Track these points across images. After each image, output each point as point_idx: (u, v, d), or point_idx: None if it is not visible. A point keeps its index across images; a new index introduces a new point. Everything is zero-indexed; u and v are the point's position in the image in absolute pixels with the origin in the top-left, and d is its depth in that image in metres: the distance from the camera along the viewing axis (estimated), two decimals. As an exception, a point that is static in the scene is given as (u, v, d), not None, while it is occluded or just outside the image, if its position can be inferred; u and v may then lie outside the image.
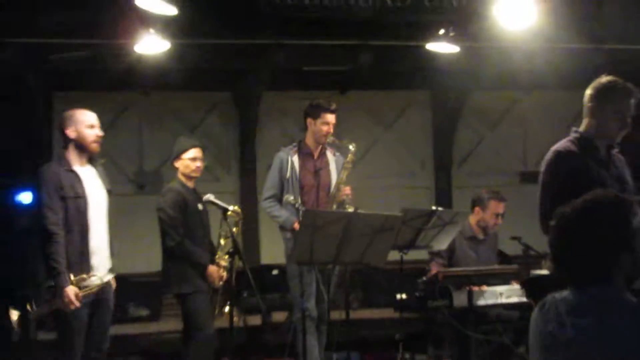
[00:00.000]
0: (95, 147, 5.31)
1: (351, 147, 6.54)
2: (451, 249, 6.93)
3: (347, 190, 6.49)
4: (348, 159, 6.56)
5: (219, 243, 6.32)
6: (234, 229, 5.97)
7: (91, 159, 5.38)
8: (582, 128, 4.32)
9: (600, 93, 4.28)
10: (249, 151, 10.62)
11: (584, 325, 2.52)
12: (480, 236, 7.01)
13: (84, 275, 5.08)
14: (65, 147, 5.31)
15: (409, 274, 6.93)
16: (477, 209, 6.98)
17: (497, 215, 6.88)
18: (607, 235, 2.57)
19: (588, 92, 4.33)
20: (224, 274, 6.19)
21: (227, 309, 6.03)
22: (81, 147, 5.27)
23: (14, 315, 5.11)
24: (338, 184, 6.54)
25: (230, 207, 5.92)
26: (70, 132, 5.25)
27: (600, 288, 2.56)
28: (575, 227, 2.61)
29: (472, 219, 7.01)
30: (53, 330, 6.43)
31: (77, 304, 4.98)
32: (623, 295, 2.57)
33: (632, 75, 4.35)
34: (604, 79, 4.32)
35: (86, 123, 5.28)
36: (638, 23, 8.91)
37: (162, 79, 9.29)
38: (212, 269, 6.16)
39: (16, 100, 9.31)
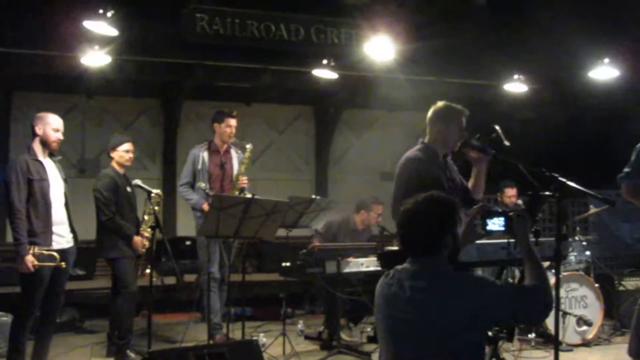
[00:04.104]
0: (55, 146, 5.24)
1: (248, 147, 6.44)
2: (334, 236, 6.97)
3: (244, 180, 6.38)
4: (245, 155, 6.46)
5: (143, 218, 6.14)
6: (156, 208, 5.79)
7: (51, 154, 5.28)
8: (426, 140, 4.32)
9: (441, 114, 4.29)
10: (171, 147, 10.43)
11: (418, 286, 2.67)
12: (360, 229, 7.09)
13: (44, 251, 4.97)
14: (33, 141, 5.18)
15: (293, 247, 6.90)
16: (362, 211, 7.09)
17: (378, 214, 6.97)
18: (435, 222, 2.75)
19: (431, 113, 4.33)
20: (146, 243, 6.00)
21: (148, 270, 5.86)
22: (44, 143, 5.17)
23: None
24: (237, 175, 6.42)
25: (154, 191, 5.77)
26: (38, 130, 5.16)
27: (430, 260, 2.72)
28: (414, 216, 2.76)
29: (358, 218, 7.12)
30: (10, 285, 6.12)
31: (32, 269, 4.88)
32: (446, 265, 2.75)
33: (463, 101, 4.38)
34: (442, 103, 4.32)
35: (52, 126, 5.20)
36: (471, 61, 9.15)
37: (103, 86, 9.02)
38: (136, 238, 5.96)
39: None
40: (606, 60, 8.08)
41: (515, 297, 2.68)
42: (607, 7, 8.28)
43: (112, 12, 6.34)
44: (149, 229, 5.93)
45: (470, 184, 4.33)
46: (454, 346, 2.60)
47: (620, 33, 8.19)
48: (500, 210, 3.12)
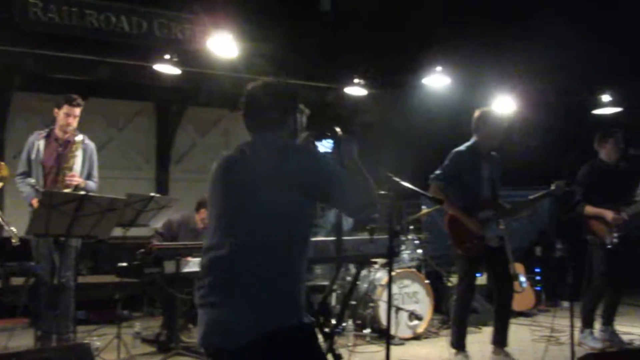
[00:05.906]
0: None
1: (77, 138, 6.05)
2: (174, 237, 6.82)
3: (72, 176, 5.94)
4: (73, 148, 6.03)
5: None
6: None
7: None
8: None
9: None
10: (-2, 141, 9.74)
11: (259, 151, 2.88)
12: (200, 228, 6.97)
13: None
14: None
15: (130, 247, 6.67)
16: (203, 210, 6.97)
17: None
18: (279, 100, 3.00)
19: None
20: None
21: None
22: None
23: None
24: (64, 169, 5.95)
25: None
26: None
27: (272, 134, 2.94)
28: (259, 92, 3.02)
29: (198, 217, 7.01)
30: None
31: None
32: (284, 139, 2.95)
33: (306, 102, 4.43)
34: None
35: None
36: (314, 63, 9.32)
37: None
38: None
39: None
40: (439, 68, 8.53)
41: (343, 176, 2.83)
42: (443, 16, 8.76)
43: None
44: None
45: None
46: (289, 211, 2.72)
47: (454, 42, 8.68)
48: (328, 133, 3.27)
